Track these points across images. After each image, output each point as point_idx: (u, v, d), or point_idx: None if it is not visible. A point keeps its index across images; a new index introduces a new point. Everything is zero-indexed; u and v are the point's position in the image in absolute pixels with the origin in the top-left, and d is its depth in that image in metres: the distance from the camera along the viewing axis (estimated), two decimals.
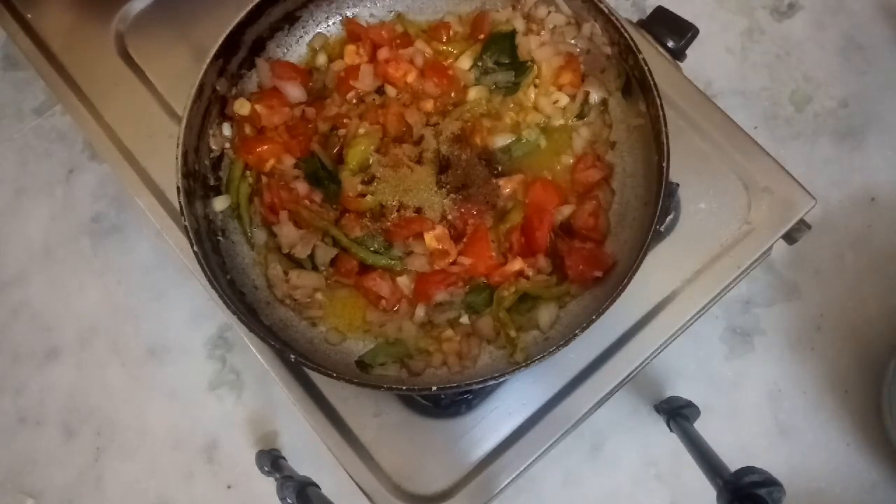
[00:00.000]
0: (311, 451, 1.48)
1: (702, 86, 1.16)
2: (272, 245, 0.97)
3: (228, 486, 1.53)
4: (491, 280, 0.93)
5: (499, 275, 0.92)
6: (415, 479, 0.93)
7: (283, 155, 0.98)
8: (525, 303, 0.92)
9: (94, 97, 1.13)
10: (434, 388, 0.81)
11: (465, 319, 0.93)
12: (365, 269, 0.94)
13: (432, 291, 0.92)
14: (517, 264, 0.92)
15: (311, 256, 0.95)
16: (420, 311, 0.93)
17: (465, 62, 1.03)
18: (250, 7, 0.93)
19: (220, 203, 0.96)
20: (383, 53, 1.01)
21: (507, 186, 0.97)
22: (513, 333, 0.90)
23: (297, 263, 0.95)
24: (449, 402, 0.96)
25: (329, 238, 0.95)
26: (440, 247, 0.93)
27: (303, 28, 1.05)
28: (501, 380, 0.81)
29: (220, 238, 0.95)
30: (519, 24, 1.03)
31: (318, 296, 0.95)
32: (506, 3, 1.04)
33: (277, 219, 0.95)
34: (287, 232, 0.94)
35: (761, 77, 1.72)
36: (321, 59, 1.05)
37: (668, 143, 0.85)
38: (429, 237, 0.93)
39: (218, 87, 0.96)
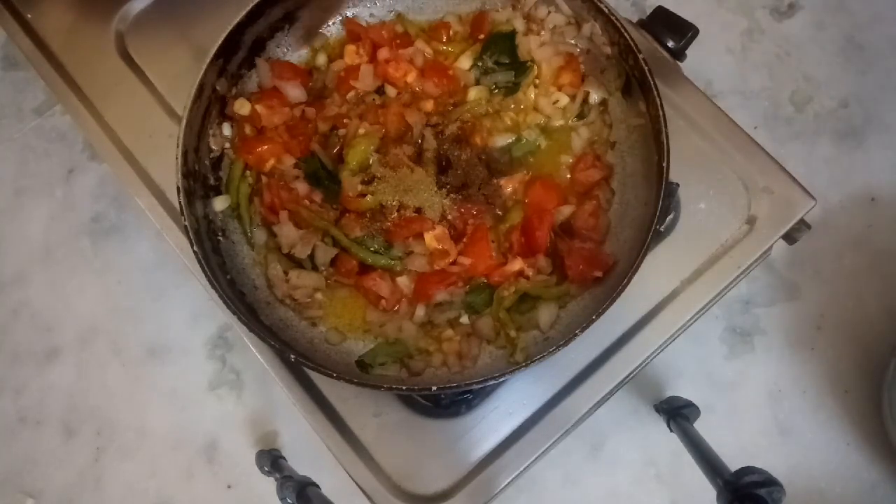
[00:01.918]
0: (311, 451, 1.48)
1: (702, 86, 1.16)
2: (272, 245, 0.97)
3: (228, 486, 1.53)
4: (491, 280, 0.93)
5: (499, 275, 0.92)
6: (415, 479, 0.93)
7: (283, 155, 0.98)
8: (525, 303, 0.92)
9: (94, 97, 1.13)
10: (434, 388, 0.81)
11: (464, 319, 0.93)
12: (365, 269, 0.94)
13: (432, 291, 0.92)
14: (517, 264, 0.92)
15: (311, 256, 0.95)
16: (420, 311, 0.93)
17: (465, 62, 1.03)
18: (250, 7, 0.93)
19: (219, 203, 0.96)
20: (383, 53, 1.01)
21: (508, 186, 0.97)
22: (513, 333, 0.90)
23: (297, 263, 0.95)
24: (449, 402, 0.96)
25: (329, 238, 0.95)
26: (440, 247, 0.93)
27: (303, 28, 1.05)
28: (501, 380, 0.81)
29: (220, 238, 0.95)
30: (519, 24, 1.03)
31: (318, 296, 0.95)
32: (506, 3, 1.04)
33: (277, 219, 0.95)
34: (287, 232, 0.94)
35: (761, 77, 1.72)
36: (321, 59, 1.05)
37: (668, 143, 0.85)
38: (429, 237, 0.93)
39: (218, 87, 0.96)
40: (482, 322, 0.92)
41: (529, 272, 0.92)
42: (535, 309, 0.92)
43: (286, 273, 0.94)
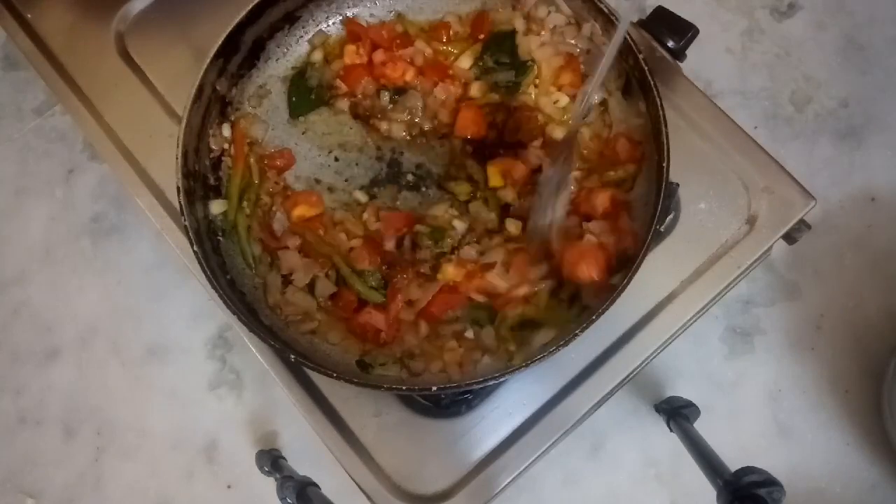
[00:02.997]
0: (311, 451, 1.48)
1: (702, 86, 1.16)
2: (267, 261, 0.95)
3: (228, 486, 1.53)
4: (495, 304, 0.91)
5: (503, 299, 0.91)
6: (415, 479, 0.93)
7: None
8: (526, 328, 0.90)
9: (94, 97, 1.13)
10: (434, 388, 0.81)
11: (469, 334, 0.91)
12: (361, 304, 0.92)
13: (438, 312, 0.91)
14: (524, 289, 0.90)
15: (311, 286, 0.93)
16: (423, 328, 0.91)
17: (465, 62, 1.03)
18: (250, 7, 0.93)
19: (216, 207, 0.95)
20: (379, 56, 1.00)
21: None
22: (512, 348, 0.89)
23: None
24: (449, 402, 0.96)
25: (333, 271, 0.93)
26: (466, 269, 0.91)
27: (303, 28, 1.05)
28: (501, 380, 0.81)
29: (219, 238, 0.95)
30: (519, 24, 1.03)
31: (318, 315, 0.93)
32: (506, 3, 1.04)
33: (278, 244, 0.94)
34: (289, 257, 0.93)
35: (761, 77, 1.72)
36: (317, 56, 1.04)
37: (668, 143, 0.85)
38: (449, 269, 0.92)
39: (218, 87, 0.96)
40: (484, 333, 0.90)
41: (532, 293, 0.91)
42: (537, 331, 0.89)
43: (284, 287, 0.93)
